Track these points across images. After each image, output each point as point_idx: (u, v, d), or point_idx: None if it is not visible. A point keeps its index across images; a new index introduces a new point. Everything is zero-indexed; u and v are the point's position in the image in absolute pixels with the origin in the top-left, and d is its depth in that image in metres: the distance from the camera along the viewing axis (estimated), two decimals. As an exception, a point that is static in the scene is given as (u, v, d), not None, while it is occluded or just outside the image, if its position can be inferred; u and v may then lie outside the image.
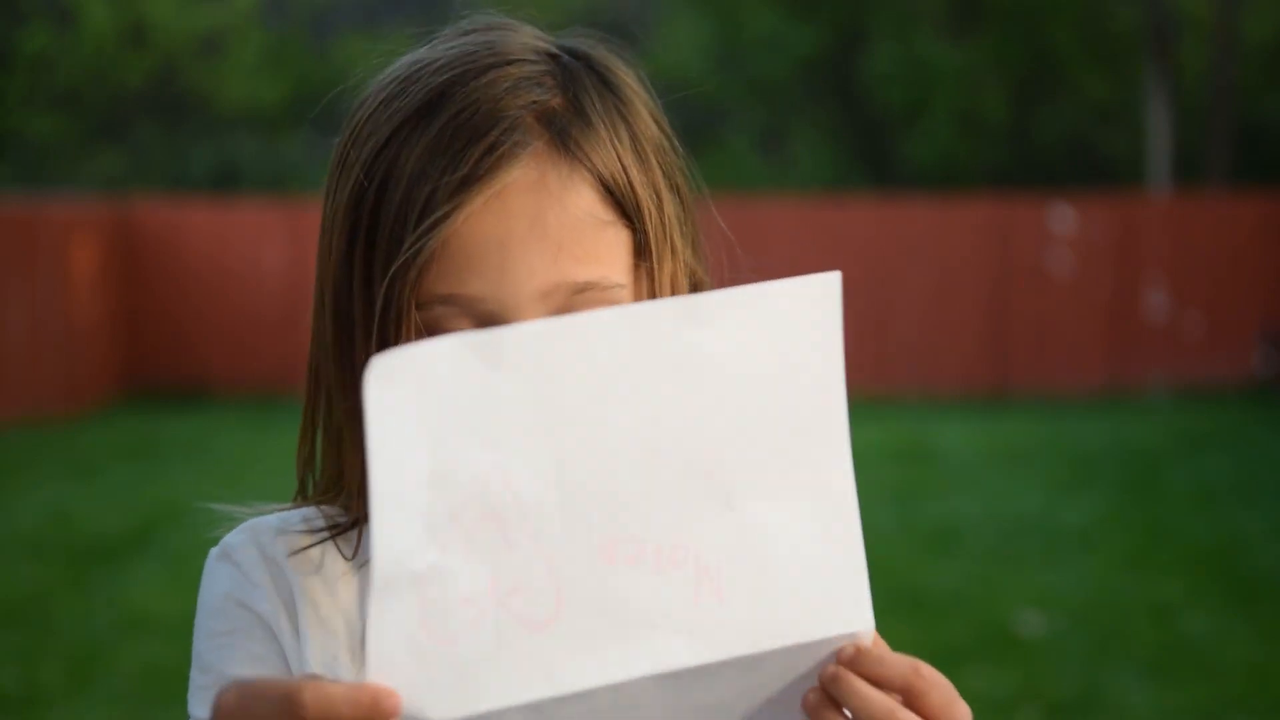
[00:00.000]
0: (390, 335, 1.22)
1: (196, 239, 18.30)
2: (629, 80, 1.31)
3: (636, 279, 1.26)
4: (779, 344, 1.10)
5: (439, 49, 1.29)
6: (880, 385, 17.93)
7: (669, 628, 1.08)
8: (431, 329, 1.22)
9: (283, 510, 1.38)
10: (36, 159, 26.85)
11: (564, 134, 1.23)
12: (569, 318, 1.07)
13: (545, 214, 1.21)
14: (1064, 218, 18.34)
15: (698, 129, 26.38)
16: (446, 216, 1.20)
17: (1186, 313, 18.33)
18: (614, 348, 1.07)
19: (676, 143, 1.35)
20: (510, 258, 1.20)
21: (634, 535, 1.08)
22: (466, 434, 1.05)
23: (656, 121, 1.32)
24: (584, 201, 1.23)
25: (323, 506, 1.35)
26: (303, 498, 1.37)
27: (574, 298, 1.22)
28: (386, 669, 1.04)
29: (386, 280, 1.21)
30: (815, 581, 1.12)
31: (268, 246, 18.18)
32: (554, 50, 1.29)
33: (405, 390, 1.03)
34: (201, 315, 18.25)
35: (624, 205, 1.25)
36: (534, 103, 1.23)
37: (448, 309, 1.22)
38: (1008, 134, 26.27)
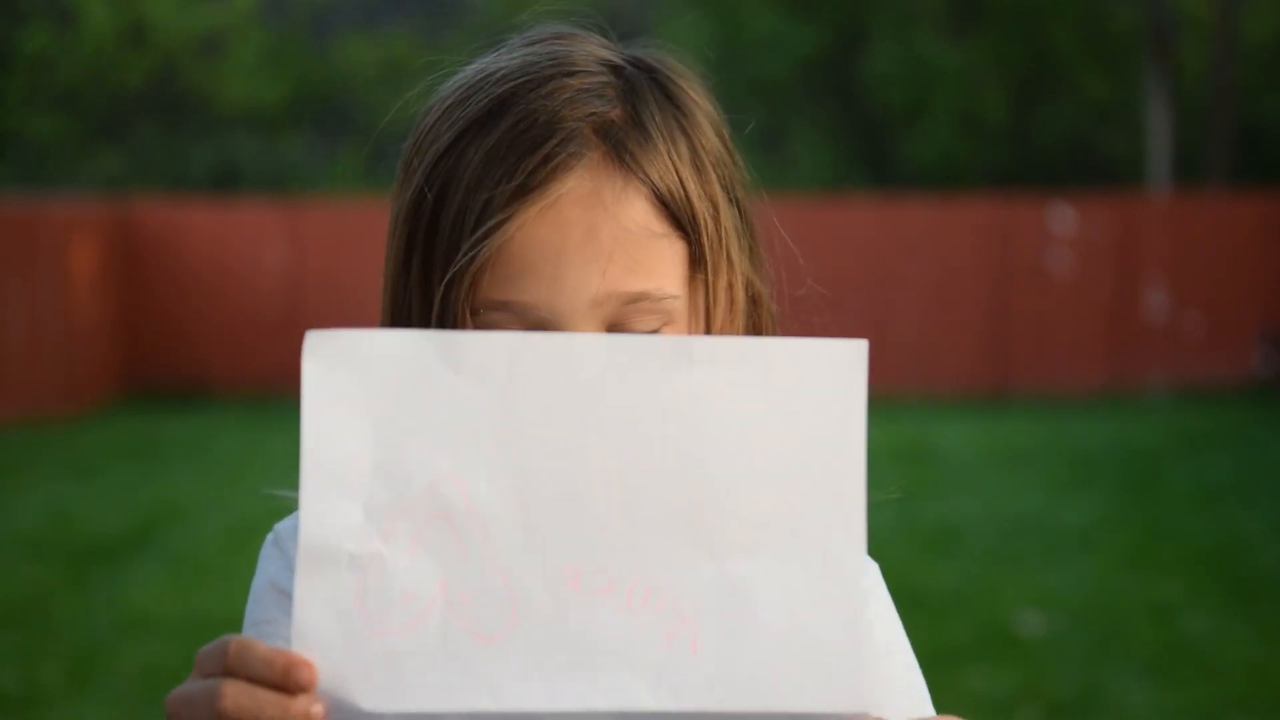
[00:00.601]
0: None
1: (196, 239, 18.30)
2: (691, 92, 1.33)
3: (692, 290, 1.28)
4: (790, 403, 1.07)
5: (504, 58, 1.31)
6: (880, 385, 17.88)
7: (632, 668, 1.05)
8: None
9: None
10: (36, 159, 26.85)
11: (620, 146, 1.25)
12: (547, 335, 1.08)
13: (598, 225, 1.23)
14: (1064, 218, 18.34)
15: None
16: (500, 225, 1.22)
17: (1186, 313, 18.33)
18: (595, 373, 1.05)
19: (738, 155, 1.36)
20: (563, 267, 1.22)
21: (602, 567, 1.05)
22: (419, 430, 1.04)
23: (719, 133, 1.33)
24: (638, 214, 1.24)
25: None
26: None
27: (626, 308, 1.23)
28: (311, 643, 1.04)
29: (443, 285, 1.24)
30: (801, 651, 1.07)
31: (268, 246, 18.18)
32: (618, 61, 1.31)
33: (346, 372, 1.03)
34: (201, 315, 18.25)
35: (679, 217, 1.26)
36: (592, 114, 1.25)
37: (502, 315, 1.23)
38: (1008, 134, 26.27)
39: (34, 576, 8.62)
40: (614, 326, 1.24)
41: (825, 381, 1.07)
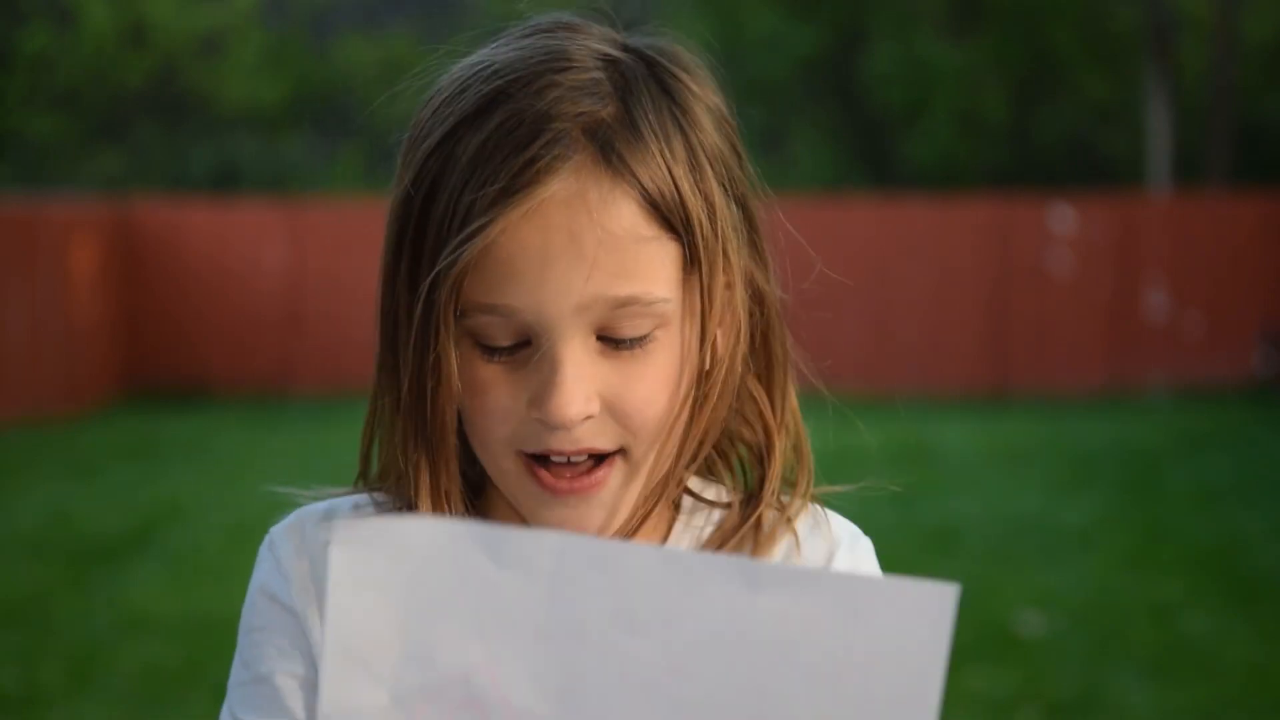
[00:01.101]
0: (430, 340, 1.24)
1: (196, 239, 18.30)
2: (693, 85, 1.31)
3: (688, 290, 1.26)
4: (865, 643, 0.97)
5: (500, 51, 1.28)
6: (880, 385, 17.93)
7: None
8: (474, 335, 1.24)
9: (336, 496, 1.39)
10: (36, 159, 26.86)
11: (609, 147, 1.22)
12: (597, 540, 1.02)
13: (582, 230, 1.21)
14: (1064, 218, 18.34)
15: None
16: (482, 228, 1.20)
17: (1186, 313, 18.33)
18: (648, 586, 0.98)
19: (742, 149, 1.33)
20: (547, 272, 1.21)
21: None
22: (454, 618, 1.00)
23: (720, 128, 1.31)
24: (625, 217, 1.22)
25: (374, 493, 1.36)
26: (361, 484, 1.37)
27: (615, 312, 1.22)
28: None
29: (427, 285, 1.23)
30: None
31: (268, 246, 18.18)
32: (616, 54, 1.29)
33: (375, 557, 0.99)
34: (201, 315, 18.25)
35: (671, 218, 1.24)
36: (582, 113, 1.23)
37: (488, 318, 1.23)
38: (1008, 134, 26.27)
39: (34, 576, 8.62)
40: (603, 329, 1.23)
41: (907, 625, 0.97)
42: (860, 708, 0.98)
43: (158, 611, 7.75)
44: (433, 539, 0.99)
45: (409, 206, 1.25)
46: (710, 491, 1.38)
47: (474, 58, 1.30)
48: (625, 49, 1.30)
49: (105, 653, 7.06)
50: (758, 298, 1.33)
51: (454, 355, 1.24)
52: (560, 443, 1.24)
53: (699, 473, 1.38)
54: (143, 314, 18.18)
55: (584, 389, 1.22)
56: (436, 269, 1.22)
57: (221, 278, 18.23)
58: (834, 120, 26.88)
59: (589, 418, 1.24)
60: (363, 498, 1.36)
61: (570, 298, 1.21)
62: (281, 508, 1.41)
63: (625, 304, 1.22)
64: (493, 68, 1.26)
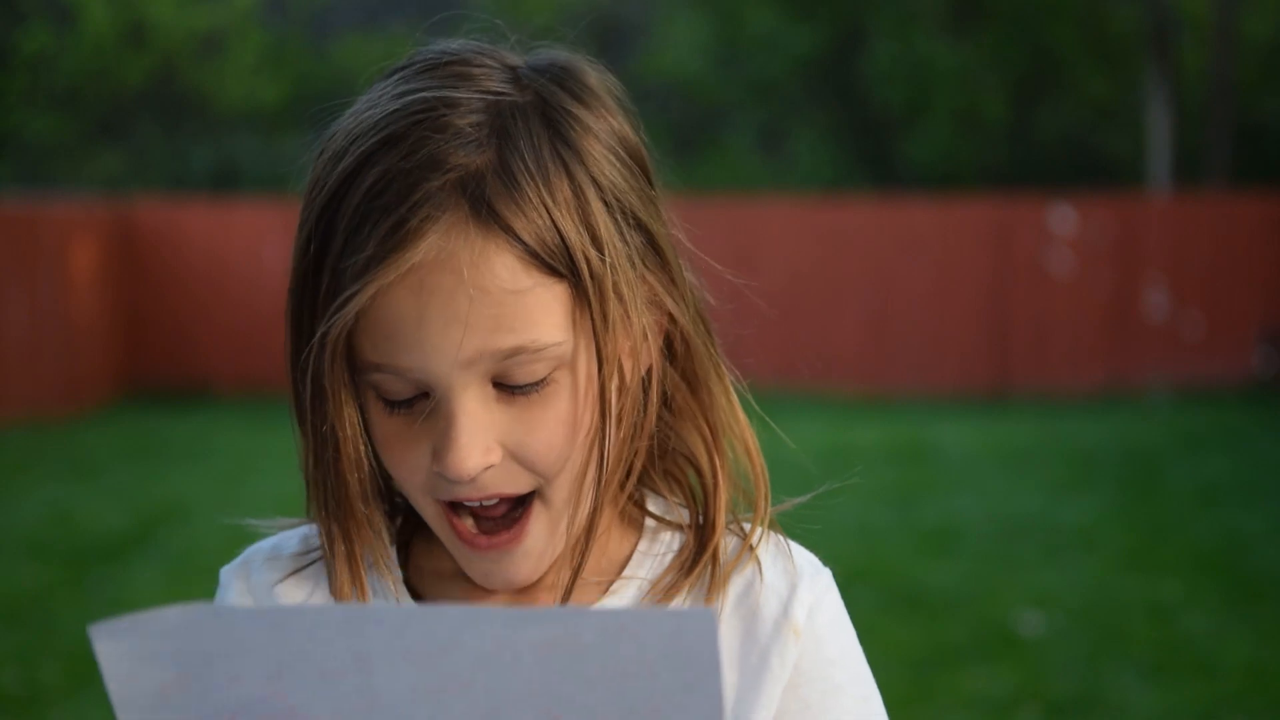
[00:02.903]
0: (324, 406, 1.25)
1: (196, 239, 18.31)
2: (585, 117, 1.27)
3: (582, 327, 1.24)
4: (633, 666, 1.01)
5: (384, 99, 1.26)
6: (880, 385, 17.93)
7: None
8: (378, 389, 1.24)
9: (289, 528, 1.40)
10: (36, 159, 26.85)
11: (479, 201, 1.20)
12: (350, 607, 1.03)
13: (454, 290, 1.20)
14: (1064, 218, 18.34)
15: (698, 129, 26.39)
16: (353, 296, 1.20)
17: (1186, 313, 18.33)
18: (410, 631, 1.01)
19: (649, 167, 1.31)
20: (424, 333, 1.20)
21: None
22: (235, 670, 1.02)
23: (618, 154, 1.27)
24: (500, 273, 1.20)
25: None
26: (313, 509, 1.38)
27: (504, 362, 1.21)
28: None
29: (314, 348, 1.24)
30: None
31: (268, 246, 18.18)
32: (503, 91, 1.25)
33: (139, 642, 1.01)
34: (202, 315, 18.26)
35: (554, 262, 1.22)
36: (455, 166, 1.21)
37: (382, 376, 1.23)
38: (1008, 134, 26.27)
39: (34, 576, 8.62)
40: (498, 377, 1.22)
41: (671, 649, 1.00)
42: (650, 716, 1.01)
43: (158, 611, 7.74)
44: (188, 619, 1.01)
45: (301, 268, 1.27)
46: (673, 515, 1.38)
47: (360, 106, 1.29)
48: (516, 80, 1.27)
49: (105, 653, 7.05)
50: (670, 319, 1.30)
51: (348, 420, 1.25)
52: (467, 493, 1.24)
53: (660, 493, 1.38)
54: (143, 314, 18.19)
55: (481, 440, 1.22)
56: (319, 331, 1.22)
57: (222, 277, 18.24)
58: (834, 120, 26.88)
59: (490, 467, 1.23)
60: (312, 529, 1.37)
61: (450, 356, 1.20)
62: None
63: (513, 354, 1.21)
64: (368, 123, 1.24)
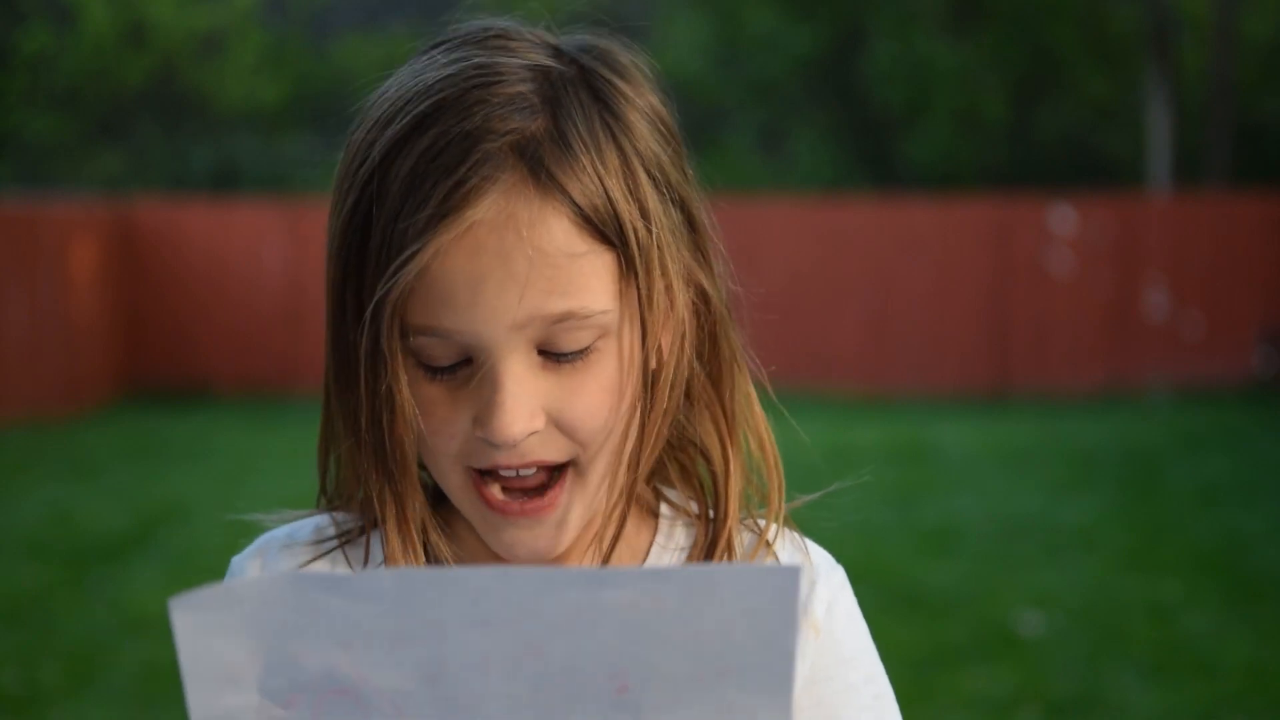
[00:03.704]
0: (380, 370, 1.24)
1: (196, 239, 18.31)
2: (626, 89, 1.29)
3: (627, 297, 1.25)
4: (713, 620, 1.03)
5: (430, 68, 1.27)
6: (880, 385, 17.93)
7: None
8: (417, 355, 1.24)
9: (298, 519, 1.39)
10: (36, 159, 26.86)
11: (538, 164, 1.22)
12: (441, 570, 1.03)
13: (513, 251, 1.20)
14: (1064, 218, 18.35)
15: (698, 129, 26.37)
16: (414, 255, 1.20)
17: (1186, 313, 18.33)
18: (494, 592, 1.02)
19: (681, 148, 1.32)
20: (481, 294, 1.21)
21: None
22: (308, 640, 1.03)
23: (658, 129, 1.30)
24: (556, 235, 1.21)
25: (336, 513, 1.36)
26: (323, 501, 1.38)
27: (552, 327, 1.22)
28: None
29: (370, 312, 1.23)
30: None
31: (268, 246, 18.18)
32: (548, 63, 1.27)
33: (217, 614, 1.02)
34: (202, 315, 18.26)
35: (605, 230, 1.23)
36: (511, 130, 1.22)
37: (430, 340, 1.23)
38: (1008, 134, 26.27)
39: (34, 576, 8.62)
40: (543, 344, 1.23)
41: (753, 603, 1.02)
42: (718, 676, 1.04)
43: (158, 611, 7.74)
44: (267, 589, 1.02)
45: (348, 235, 1.25)
46: (691, 506, 1.38)
47: (405, 73, 1.29)
48: (559, 55, 1.29)
49: (105, 653, 7.06)
50: (703, 297, 1.32)
51: (404, 382, 1.24)
52: (507, 458, 1.24)
53: (671, 484, 1.37)
54: (143, 314, 18.19)
55: (527, 405, 1.23)
56: (376, 297, 1.22)
57: (222, 277, 18.24)
58: (834, 120, 26.88)
59: (533, 433, 1.24)
60: (324, 518, 1.37)
61: (505, 318, 1.21)
62: (223, 526, 1.42)
63: (562, 319, 1.22)
64: (423, 85, 1.25)
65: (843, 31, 26.72)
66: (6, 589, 8.35)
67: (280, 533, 1.38)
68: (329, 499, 1.37)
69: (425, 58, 1.29)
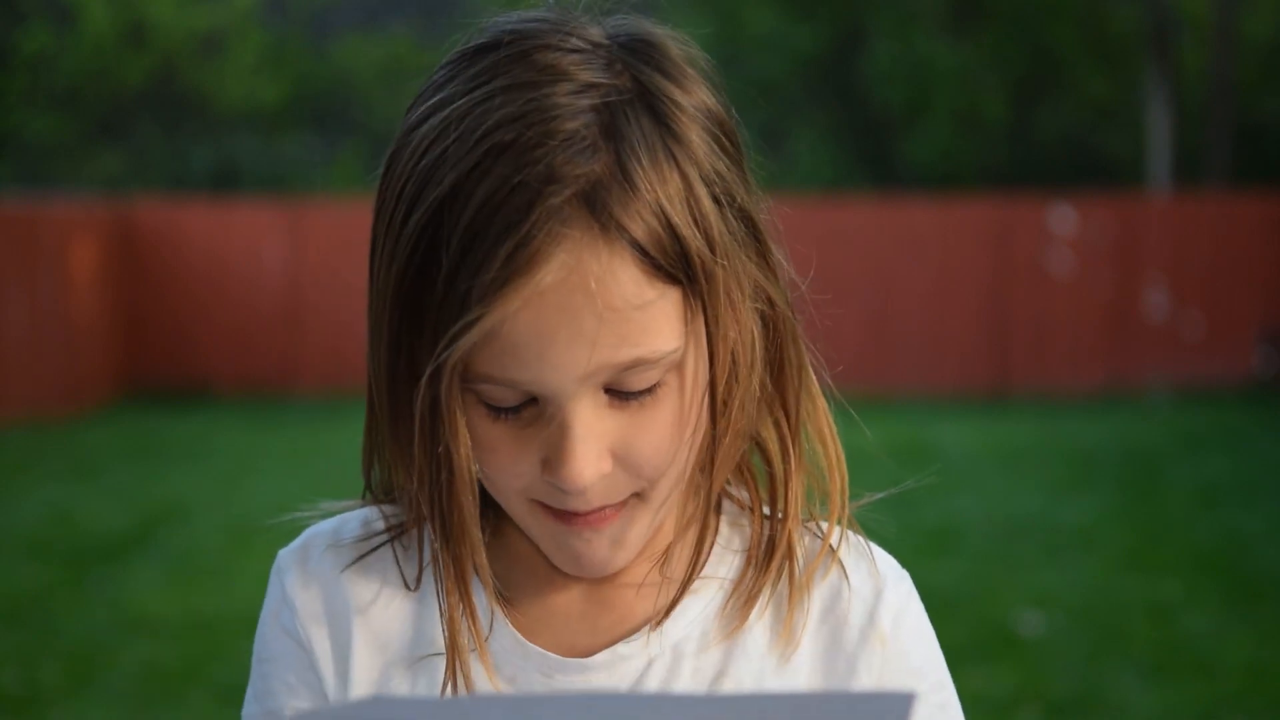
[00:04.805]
0: (440, 430, 1.20)
1: (196, 239, 18.30)
2: (685, 104, 1.23)
3: (693, 326, 1.21)
4: None
5: (481, 95, 1.19)
6: (880, 385, 17.93)
7: None
8: (482, 396, 1.20)
9: (345, 511, 1.37)
10: (36, 159, 26.86)
11: (603, 210, 1.16)
12: (536, 698, 1.01)
13: (581, 309, 1.15)
14: (1064, 218, 18.35)
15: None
16: (477, 321, 1.15)
17: (1186, 313, 18.33)
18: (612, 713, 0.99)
19: (741, 145, 1.27)
20: (547, 350, 1.16)
21: None
22: None
23: (716, 138, 1.24)
24: (626, 286, 1.16)
25: (383, 506, 1.34)
26: (369, 495, 1.35)
27: (623, 374, 1.18)
28: None
29: (431, 368, 1.18)
30: None
31: (268, 246, 18.18)
32: (602, 80, 1.20)
33: None
34: (202, 315, 18.25)
35: (671, 268, 1.18)
36: (576, 177, 1.15)
37: (494, 387, 1.19)
38: (1008, 134, 26.27)
39: (34, 576, 8.62)
40: (611, 387, 1.19)
41: None
42: None
43: (158, 611, 7.75)
44: (363, 715, 1.00)
45: (402, 287, 1.19)
46: (743, 495, 1.35)
47: (450, 94, 1.20)
48: (610, 62, 1.21)
49: (105, 653, 7.06)
50: (768, 303, 1.28)
51: (463, 441, 1.21)
52: (575, 504, 1.22)
53: (730, 481, 1.35)
54: (143, 314, 18.19)
55: (595, 449, 1.20)
56: (437, 359, 1.17)
57: (222, 277, 18.23)
58: (834, 120, 26.88)
59: (603, 476, 1.21)
60: (372, 511, 1.34)
61: (573, 372, 1.17)
62: (277, 513, 1.40)
63: (632, 365, 1.18)
64: (469, 129, 1.17)
65: (843, 31, 26.72)
66: (6, 589, 8.35)
67: (326, 528, 1.35)
68: (374, 495, 1.34)
69: (463, 76, 1.21)
